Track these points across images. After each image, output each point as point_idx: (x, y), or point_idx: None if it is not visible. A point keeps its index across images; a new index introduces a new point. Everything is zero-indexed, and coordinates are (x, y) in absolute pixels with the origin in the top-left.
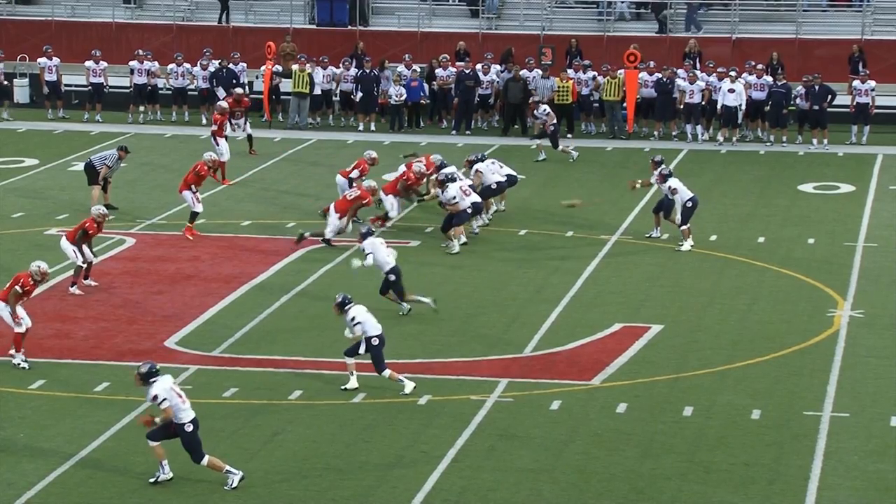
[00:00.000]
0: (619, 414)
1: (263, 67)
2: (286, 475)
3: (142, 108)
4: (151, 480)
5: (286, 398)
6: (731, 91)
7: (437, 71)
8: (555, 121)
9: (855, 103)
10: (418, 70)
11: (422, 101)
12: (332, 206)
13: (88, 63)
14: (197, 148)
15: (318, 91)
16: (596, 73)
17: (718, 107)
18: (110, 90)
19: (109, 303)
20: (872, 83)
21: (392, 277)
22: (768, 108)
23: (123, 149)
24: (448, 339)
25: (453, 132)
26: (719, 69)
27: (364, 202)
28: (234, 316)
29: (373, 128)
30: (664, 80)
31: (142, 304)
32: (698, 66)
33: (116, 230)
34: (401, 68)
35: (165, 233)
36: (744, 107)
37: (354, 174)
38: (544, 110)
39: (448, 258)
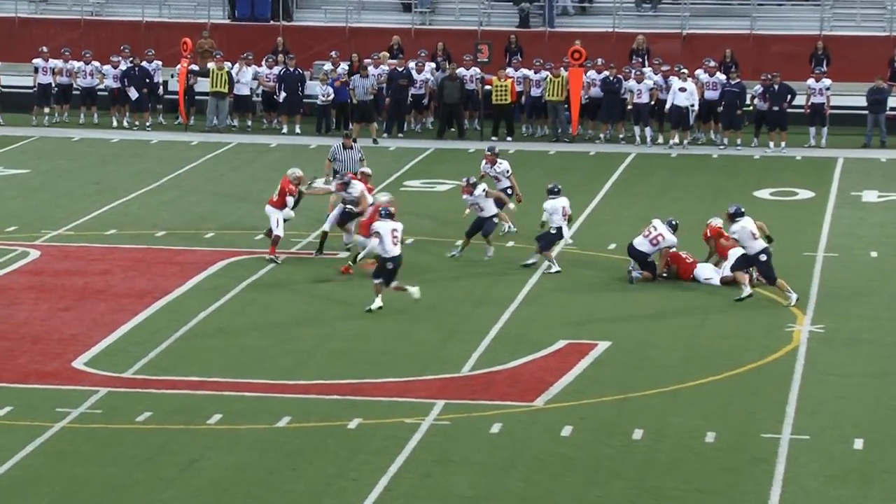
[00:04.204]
0: (563, 437)
1: (179, 66)
2: None
3: (47, 110)
4: None
5: (204, 423)
6: (682, 90)
7: (368, 69)
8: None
9: (810, 103)
10: (346, 68)
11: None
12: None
13: None
14: (107, 153)
15: (245, 91)
16: (549, 73)
17: (667, 107)
18: (12, 91)
19: (12, 320)
20: (828, 82)
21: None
22: (721, 108)
23: None
24: (379, 358)
25: (384, 135)
26: (664, 67)
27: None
28: (148, 334)
29: (297, 130)
30: (611, 78)
31: (47, 321)
32: (646, 63)
33: (20, 242)
34: (327, 66)
35: (73, 244)
36: (696, 107)
37: (290, 200)
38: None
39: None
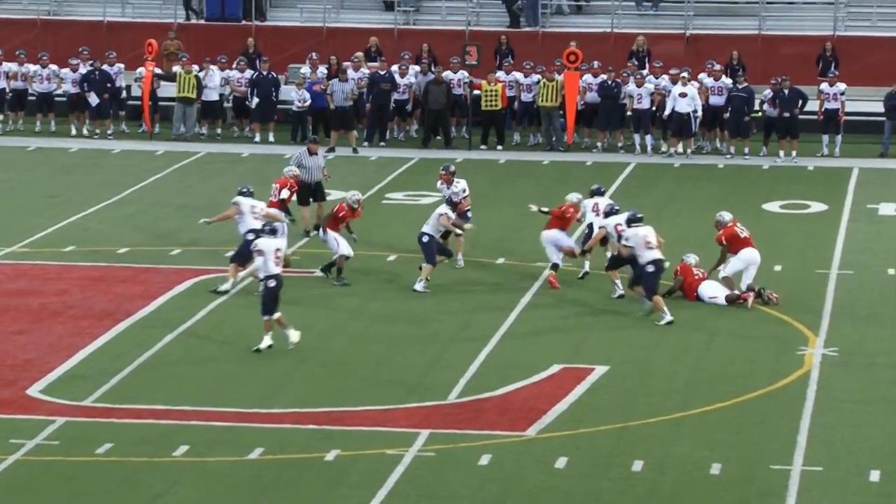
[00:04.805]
0: (557, 469)
1: (142, 69)
2: None
3: (0, 117)
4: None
5: (170, 455)
6: (683, 95)
7: (348, 72)
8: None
9: (823, 109)
10: (324, 72)
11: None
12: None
13: None
14: (65, 163)
15: (214, 96)
16: (542, 77)
17: (665, 113)
18: None
19: None
20: (842, 86)
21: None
22: (727, 114)
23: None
24: (359, 385)
25: (365, 143)
26: (671, 70)
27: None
28: (109, 359)
29: (271, 138)
30: (609, 82)
31: None
32: (646, 66)
33: None
34: (304, 69)
35: (28, 262)
36: (699, 113)
37: (284, 194)
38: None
39: (356, 290)
